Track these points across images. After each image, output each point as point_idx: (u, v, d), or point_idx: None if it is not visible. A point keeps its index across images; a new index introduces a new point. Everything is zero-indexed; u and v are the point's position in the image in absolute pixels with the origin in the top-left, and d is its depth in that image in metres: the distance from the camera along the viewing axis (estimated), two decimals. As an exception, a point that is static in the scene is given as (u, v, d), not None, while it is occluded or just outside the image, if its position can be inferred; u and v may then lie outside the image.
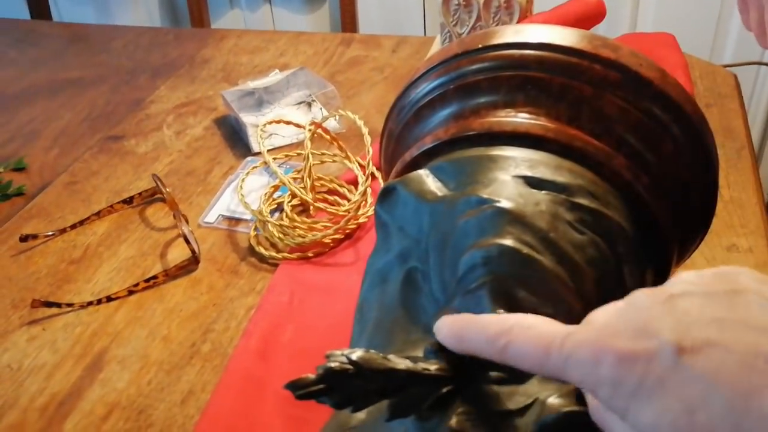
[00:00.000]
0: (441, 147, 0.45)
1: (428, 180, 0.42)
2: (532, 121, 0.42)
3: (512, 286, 0.35)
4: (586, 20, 0.87)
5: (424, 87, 0.48)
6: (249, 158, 0.80)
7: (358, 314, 0.44)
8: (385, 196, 0.44)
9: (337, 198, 0.71)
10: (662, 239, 0.43)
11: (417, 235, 0.42)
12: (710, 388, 0.23)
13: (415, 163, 0.46)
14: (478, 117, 0.44)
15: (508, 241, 0.36)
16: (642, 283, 0.41)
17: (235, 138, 0.85)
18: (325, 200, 0.71)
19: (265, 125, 0.74)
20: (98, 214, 0.72)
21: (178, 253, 0.67)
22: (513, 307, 0.35)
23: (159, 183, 0.72)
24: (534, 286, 0.35)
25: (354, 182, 0.71)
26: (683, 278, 0.28)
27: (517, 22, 0.82)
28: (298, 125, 0.75)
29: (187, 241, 0.63)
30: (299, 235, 0.65)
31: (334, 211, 0.66)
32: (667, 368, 0.24)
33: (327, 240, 0.65)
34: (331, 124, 0.84)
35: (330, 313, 0.59)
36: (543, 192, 0.39)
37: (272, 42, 1.08)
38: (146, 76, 1.01)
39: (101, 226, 0.71)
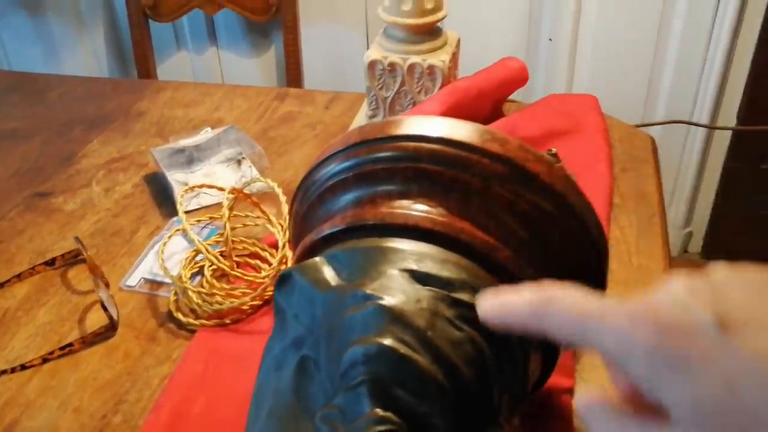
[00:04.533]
0: (338, 234, 0.46)
1: (323, 268, 0.44)
2: (422, 214, 0.44)
3: (389, 385, 0.36)
4: (509, 84, 0.91)
5: (327, 171, 0.50)
6: (175, 218, 0.81)
7: (254, 398, 0.45)
8: (282, 282, 0.45)
9: (258, 262, 0.72)
10: (548, 325, 0.45)
11: (310, 323, 0.43)
12: (753, 367, 0.23)
13: (314, 248, 0.48)
14: (373, 206, 0.46)
15: (387, 340, 0.37)
16: (526, 370, 0.43)
17: (163, 196, 0.85)
18: (246, 264, 0.72)
19: (187, 190, 0.75)
20: (19, 276, 0.72)
21: (96, 319, 0.67)
22: (391, 406, 0.36)
23: (81, 245, 0.72)
24: (410, 385, 0.37)
25: (276, 245, 0.72)
26: (719, 268, 0.27)
27: (440, 87, 0.85)
28: (220, 189, 0.76)
29: (105, 308, 0.64)
30: (217, 302, 0.66)
31: (251, 279, 0.67)
32: (709, 343, 0.23)
33: (245, 306, 0.66)
34: (258, 184, 0.85)
35: (244, 382, 0.60)
36: (426, 288, 0.40)
37: (208, 95, 1.10)
38: (80, 128, 1.01)
39: (22, 289, 0.71)
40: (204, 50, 1.90)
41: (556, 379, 0.57)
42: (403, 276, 0.41)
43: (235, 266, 0.71)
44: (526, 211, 0.45)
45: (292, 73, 1.69)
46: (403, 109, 0.88)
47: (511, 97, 0.95)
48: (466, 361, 0.38)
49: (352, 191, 0.48)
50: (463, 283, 0.41)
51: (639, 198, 0.80)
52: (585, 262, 0.47)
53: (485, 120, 0.88)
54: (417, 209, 0.45)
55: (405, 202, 0.45)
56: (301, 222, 0.53)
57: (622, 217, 0.77)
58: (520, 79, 0.91)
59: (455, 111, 0.84)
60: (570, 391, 0.58)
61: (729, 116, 1.67)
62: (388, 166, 0.46)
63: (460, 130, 0.46)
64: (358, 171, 0.47)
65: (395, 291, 0.40)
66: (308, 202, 0.51)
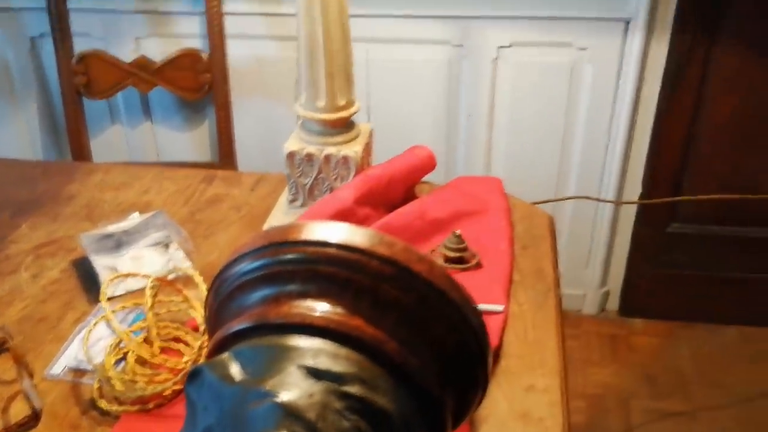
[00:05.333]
0: (245, 331, 0.51)
1: (230, 364, 0.49)
2: (318, 313, 0.50)
3: (284, 473, 0.41)
4: (418, 171, 0.98)
5: (237, 271, 0.55)
6: (101, 305, 0.84)
7: (167, 487, 0.49)
8: (193, 377, 0.50)
9: (182, 346, 0.76)
10: (435, 407, 0.51)
11: (218, 416, 0.48)
12: None
13: (224, 343, 0.53)
14: (277, 305, 0.51)
15: (281, 433, 0.42)
16: (412, 452, 0.48)
17: (90, 281, 0.89)
18: (170, 348, 0.76)
19: (112, 279, 0.79)
20: (-56, 368, 0.74)
21: (20, 408, 0.69)
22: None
23: (5, 334, 0.75)
24: (302, 473, 0.42)
25: (199, 329, 0.77)
26: None
27: (354, 175, 0.91)
28: (145, 276, 0.80)
29: (28, 399, 0.67)
30: (140, 388, 0.69)
31: (171, 366, 0.71)
32: None
33: (167, 392, 0.70)
34: (185, 264, 0.90)
35: (164, 466, 0.63)
36: (320, 382, 0.46)
37: (138, 178, 1.14)
38: (9, 213, 1.04)
39: (-54, 381, 0.73)
40: (138, 125, 1.94)
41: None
42: (299, 371, 0.46)
43: (159, 351, 0.75)
44: (412, 306, 0.51)
45: (224, 149, 1.75)
46: (321, 194, 0.94)
47: (425, 178, 1.03)
48: (352, 448, 0.44)
49: (258, 290, 0.53)
50: (353, 377, 0.47)
51: (536, 274, 0.88)
52: (467, 350, 0.53)
53: (399, 203, 0.95)
54: (315, 308, 0.50)
55: (305, 302, 0.51)
56: (214, 316, 0.58)
57: (520, 293, 0.84)
58: (428, 165, 0.98)
59: (369, 197, 0.91)
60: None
61: (635, 184, 1.79)
62: (290, 269, 0.52)
63: (354, 236, 0.52)
64: (263, 272, 0.53)
65: (291, 386, 0.45)
66: (221, 298, 0.56)
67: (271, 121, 1.86)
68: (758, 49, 1.59)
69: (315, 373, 0.46)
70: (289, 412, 0.43)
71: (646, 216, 1.82)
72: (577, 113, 1.72)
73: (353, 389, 0.46)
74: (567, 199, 1.60)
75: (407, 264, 0.51)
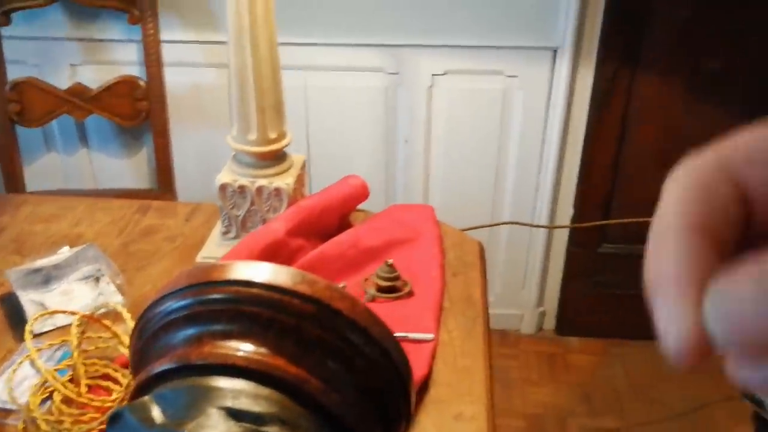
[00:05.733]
0: (167, 373, 0.52)
1: (151, 407, 0.49)
2: (240, 353, 0.50)
3: None
4: (352, 200, 1.00)
5: (161, 311, 0.55)
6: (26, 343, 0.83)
7: None
8: (114, 420, 0.50)
9: (110, 383, 0.75)
10: (359, 442, 0.52)
11: (140, 458, 0.48)
12: None
13: (147, 385, 0.53)
14: (199, 346, 0.52)
15: (200, 476, 0.43)
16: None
17: (17, 318, 0.87)
18: (98, 386, 0.75)
19: (37, 317, 0.78)
20: None
21: (-58, 453, 0.68)
22: None
23: (-72, 378, 0.73)
24: None
25: (128, 365, 0.76)
26: None
27: (287, 206, 0.92)
28: (73, 313, 0.80)
29: (-50, 444, 0.65)
30: (66, 428, 0.69)
31: (98, 404, 0.70)
32: None
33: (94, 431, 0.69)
34: (116, 298, 0.89)
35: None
36: (239, 423, 0.46)
37: (70, 209, 1.13)
38: (-66, 248, 1.02)
39: None
40: (74, 152, 1.92)
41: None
42: (219, 413, 0.47)
43: (86, 390, 0.74)
44: (334, 344, 0.52)
45: (163, 176, 1.74)
46: (254, 226, 0.95)
47: (360, 207, 1.04)
48: (271, 490, 0.44)
49: (182, 330, 0.54)
50: (273, 417, 0.47)
51: (466, 300, 0.90)
52: (390, 385, 0.55)
53: (333, 232, 0.96)
54: (237, 348, 0.51)
55: (227, 342, 0.52)
56: (139, 355, 0.58)
57: (450, 320, 0.86)
58: (361, 194, 1.00)
59: (302, 227, 0.92)
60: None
61: (567, 206, 1.84)
62: (214, 308, 0.53)
63: (275, 275, 0.53)
64: (187, 312, 0.53)
65: (210, 429, 0.46)
66: (145, 337, 0.57)
67: (210, 148, 1.86)
68: (677, 76, 1.66)
69: (234, 415, 0.47)
70: (208, 455, 0.44)
71: (578, 238, 1.87)
72: (509, 139, 1.76)
73: (272, 430, 0.47)
74: (500, 224, 1.64)
75: (329, 302, 0.52)
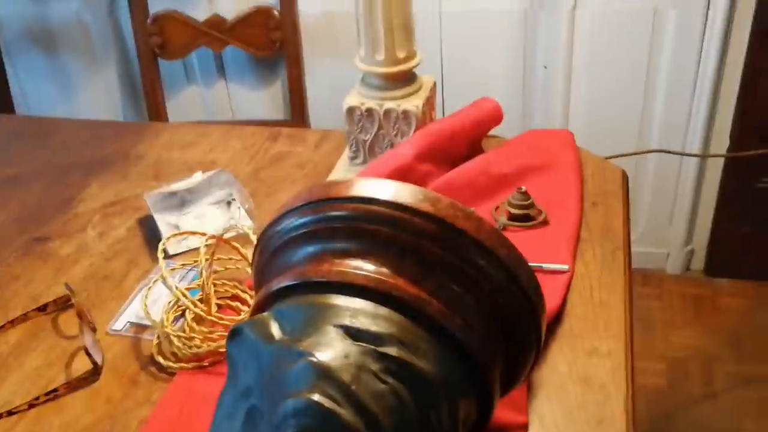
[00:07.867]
0: (286, 290, 0.50)
1: (270, 323, 0.48)
2: (359, 272, 0.48)
3: (316, 436, 0.40)
4: (484, 124, 0.94)
5: (281, 228, 0.53)
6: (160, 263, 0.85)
7: (209, 446, 0.49)
8: (234, 335, 0.49)
9: (239, 304, 0.76)
10: (480, 370, 0.49)
11: (257, 374, 0.47)
12: None
13: (266, 302, 0.52)
14: (318, 264, 0.50)
15: (314, 395, 0.41)
16: (453, 417, 0.46)
17: (154, 240, 0.89)
18: (228, 306, 0.76)
19: (169, 237, 0.79)
20: (12, 323, 0.76)
21: (84, 363, 0.71)
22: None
23: (70, 291, 0.76)
24: (334, 437, 0.40)
25: (256, 288, 0.76)
26: None
27: (415, 130, 0.88)
28: (202, 234, 0.80)
29: (88, 354, 0.68)
30: (196, 345, 0.70)
31: (227, 323, 0.71)
32: None
33: (222, 349, 0.70)
34: (246, 222, 0.90)
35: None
36: (357, 343, 0.44)
37: (204, 136, 1.14)
38: (79, 173, 1.06)
39: (14, 335, 0.76)
40: (213, 84, 1.96)
41: (508, 416, 0.61)
42: (336, 332, 0.45)
43: (216, 309, 0.75)
44: (457, 265, 0.48)
45: (296, 107, 1.75)
46: (382, 151, 0.92)
47: (494, 132, 0.99)
48: (388, 412, 0.42)
49: (301, 248, 0.52)
50: (391, 338, 0.45)
51: (605, 232, 0.83)
52: (517, 311, 0.51)
53: (463, 158, 0.92)
54: (355, 267, 0.48)
55: (346, 260, 0.49)
56: (260, 273, 0.57)
57: (588, 251, 0.80)
58: (495, 118, 0.94)
59: (430, 152, 0.88)
60: (524, 427, 0.61)
61: (723, 136, 1.69)
62: (333, 226, 0.50)
63: (397, 192, 0.49)
64: (306, 229, 0.51)
65: (326, 347, 0.44)
66: (266, 255, 0.55)
67: (342, 77, 1.84)
68: None
69: (352, 333, 0.45)
70: (323, 373, 0.42)
71: (734, 170, 1.72)
72: (660, 62, 1.63)
73: (391, 351, 0.44)
74: (647, 152, 1.52)
75: (452, 221, 0.48)
